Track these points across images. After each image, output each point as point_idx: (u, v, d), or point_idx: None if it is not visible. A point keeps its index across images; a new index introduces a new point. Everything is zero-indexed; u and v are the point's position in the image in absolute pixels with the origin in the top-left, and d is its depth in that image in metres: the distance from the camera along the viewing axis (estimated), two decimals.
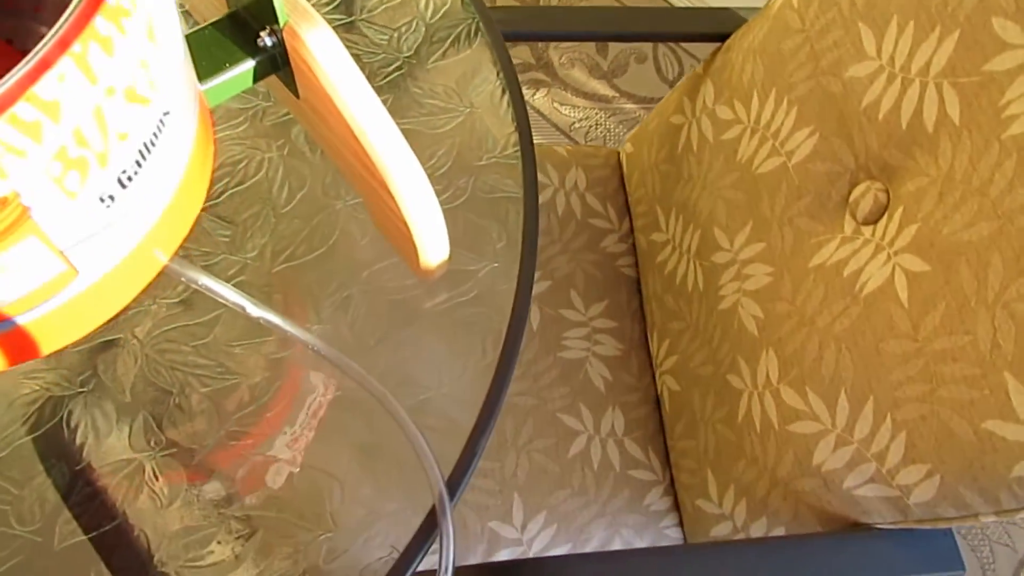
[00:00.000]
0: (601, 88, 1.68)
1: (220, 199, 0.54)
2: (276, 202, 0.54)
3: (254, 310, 0.44)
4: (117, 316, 0.36)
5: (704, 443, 0.72)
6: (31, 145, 0.24)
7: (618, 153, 0.96)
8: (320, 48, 0.41)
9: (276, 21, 0.42)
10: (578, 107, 1.67)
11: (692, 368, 0.76)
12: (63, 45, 0.24)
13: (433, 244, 0.47)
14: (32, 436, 0.46)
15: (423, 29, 0.63)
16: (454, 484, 0.47)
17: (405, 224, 0.47)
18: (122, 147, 0.28)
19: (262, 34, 0.43)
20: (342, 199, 0.55)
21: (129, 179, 0.30)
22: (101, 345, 0.49)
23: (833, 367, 0.58)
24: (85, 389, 0.47)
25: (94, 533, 0.44)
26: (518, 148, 0.59)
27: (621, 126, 1.64)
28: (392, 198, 0.46)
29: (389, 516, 0.46)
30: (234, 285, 0.51)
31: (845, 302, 0.57)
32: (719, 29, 0.75)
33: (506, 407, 0.77)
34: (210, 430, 0.47)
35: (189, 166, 0.35)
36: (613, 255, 0.90)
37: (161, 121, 0.31)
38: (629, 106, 1.66)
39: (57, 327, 0.33)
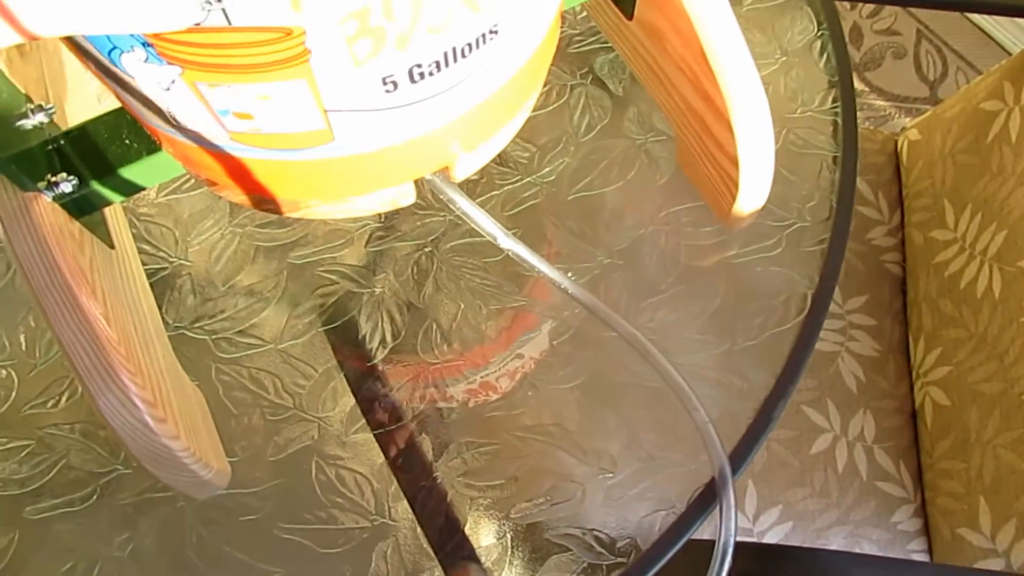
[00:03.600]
0: None
1: None
2: (576, 129, 0.52)
3: (505, 242, 0.41)
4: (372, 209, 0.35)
5: (979, 467, 0.64)
6: None
7: (895, 141, 0.87)
8: None
9: None
10: None
11: (971, 383, 0.67)
12: None
13: (757, 187, 0.44)
14: (327, 328, 0.47)
15: None
16: (742, 453, 0.43)
17: (731, 161, 0.43)
18: (427, 40, 0.26)
19: None
20: (644, 135, 0.52)
21: (422, 75, 0.27)
22: (397, 249, 0.49)
23: None
24: (379, 289, 0.48)
25: (379, 431, 0.44)
26: (836, 104, 0.53)
27: (868, 123, 1.51)
28: (724, 131, 0.42)
29: (672, 469, 0.43)
30: (527, 207, 0.50)
31: None
32: None
33: None
34: (495, 348, 0.46)
35: (501, 90, 0.32)
36: (879, 248, 0.82)
37: (483, 36, 0.28)
38: (879, 103, 1.53)
39: (303, 182, 0.32)
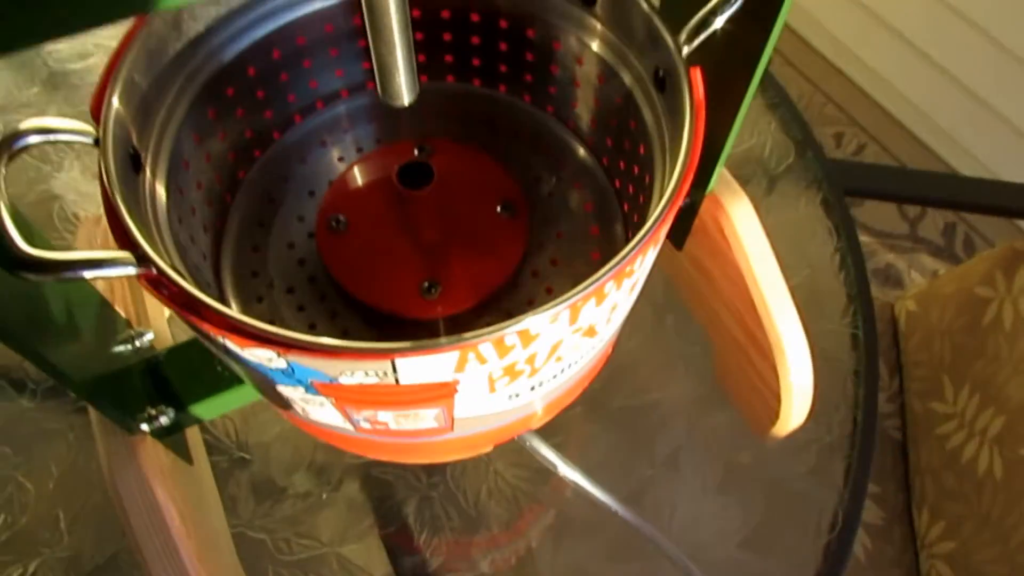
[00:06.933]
0: None
1: None
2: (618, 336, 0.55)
3: (564, 470, 0.45)
4: None
5: None
6: (494, 358, 0.25)
7: (892, 306, 0.92)
8: (744, 226, 0.43)
9: (703, 188, 0.43)
10: None
11: (977, 563, 0.70)
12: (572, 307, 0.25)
13: (797, 416, 0.47)
14: (383, 532, 0.49)
15: (765, 181, 0.64)
16: None
17: (773, 395, 0.47)
18: (553, 365, 0.29)
19: None
20: (682, 343, 0.56)
21: (540, 384, 0.31)
22: None
23: None
24: (434, 494, 0.50)
25: None
26: (856, 316, 0.58)
27: None
28: (768, 369, 0.46)
29: None
30: (571, 417, 0.53)
31: None
32: None
33: None
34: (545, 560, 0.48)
35: (588, 372, 0.36)
36: (880, 414, 0.85)
37: (593, 347, 0.32)
38: (864, 238, 1.60)
39: (426, 452, 0.36)
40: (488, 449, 0.38)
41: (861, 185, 0.67)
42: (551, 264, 0.39)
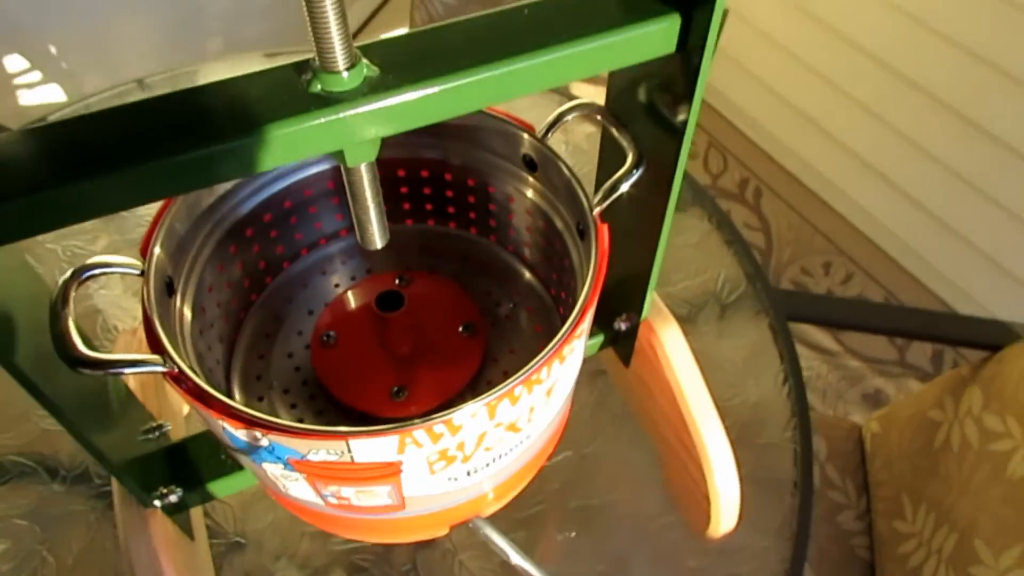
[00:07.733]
0: (825, 340, 1.70)
1: None
2: (579, 441, 0.62)
3: (516, 559, 0.51)
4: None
5: None
6: (428, 443, 0.33)
7: (860, 428, 0.97)
8: (672, 347, 0.50)
9: (639, 314, 0.51)
10: (800, 355, 1.70)
11: None
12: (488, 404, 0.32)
13: (727, 518, 0.53)
14: None
15: (717, 308, 0.72)
16: None
17: (704, 498, 0.53)
18: (483, 454, 0.37)
19: (619, 320, 0.52)
20: (634, 451, 0.62)
21: (476, 471, 0.38)
22: (424, 542, 0.57)
23: None
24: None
25: None
26: (796, 432, 0.64)
27: (844, 382, 1.64)
28: (699, 475, 0.52)
29: None
30: (534, 514, 0.59)
31: None
32: (993, 340, 0.78)
33: None
34: None
35: (528, 465, 0.43)
36: (848, 533, 0.89)
37: (520, 441, 0.39)
38: (854, 363, 1.66)
39: (387, 530, 0.42)
40: (445, 531, 0.45)
41: (802, 313, 0.75)
42: (503, 375, 0.47)
